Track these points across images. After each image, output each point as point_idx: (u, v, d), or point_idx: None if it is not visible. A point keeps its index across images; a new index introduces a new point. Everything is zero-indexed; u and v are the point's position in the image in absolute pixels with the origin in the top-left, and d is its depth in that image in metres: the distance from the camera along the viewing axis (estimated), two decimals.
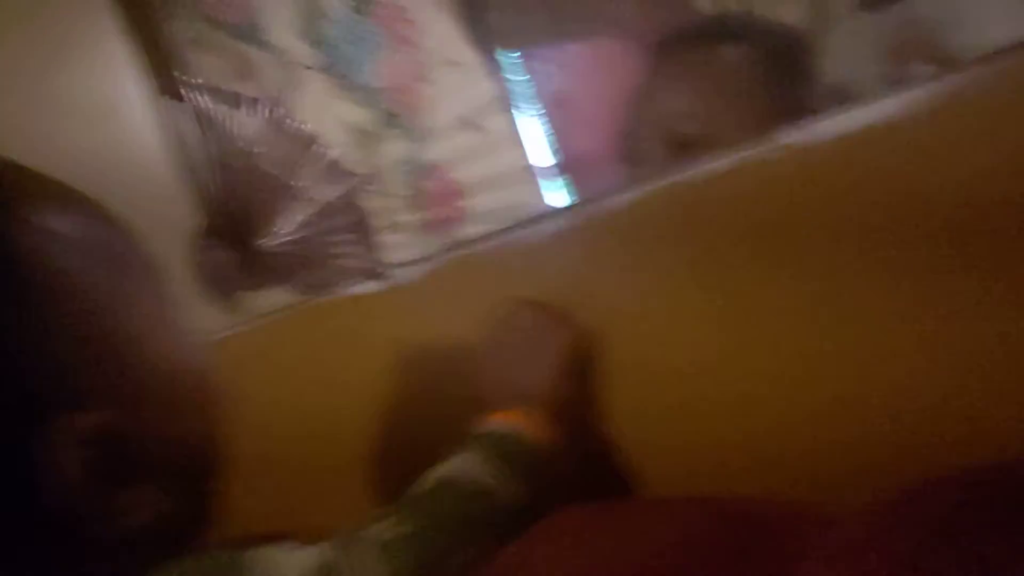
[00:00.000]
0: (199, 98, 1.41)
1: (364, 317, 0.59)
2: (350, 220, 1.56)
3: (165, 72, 1.39)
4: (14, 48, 1.23)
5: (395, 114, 1.52)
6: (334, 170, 1.52)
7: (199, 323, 0.65)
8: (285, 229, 1.48)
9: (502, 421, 0.48)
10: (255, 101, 1.48)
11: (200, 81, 1.42)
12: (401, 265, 0.56)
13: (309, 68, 1.50)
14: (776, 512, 0.40)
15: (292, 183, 1.51)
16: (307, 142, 1.51)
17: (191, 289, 1.37)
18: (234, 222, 1.43)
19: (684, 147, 0.75)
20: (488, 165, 1.49)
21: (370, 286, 0.57)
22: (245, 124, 1.46)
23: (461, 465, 0.45)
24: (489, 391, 0.52)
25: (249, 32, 1.47)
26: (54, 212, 0.38)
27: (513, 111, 1.45)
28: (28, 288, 0.34)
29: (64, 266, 0.36)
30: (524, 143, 1.46)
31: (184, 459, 0.41)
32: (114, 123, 1.34)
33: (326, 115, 1.50)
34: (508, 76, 1.45)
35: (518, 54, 1.45)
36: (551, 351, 0.50)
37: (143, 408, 0.37)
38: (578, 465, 0.50)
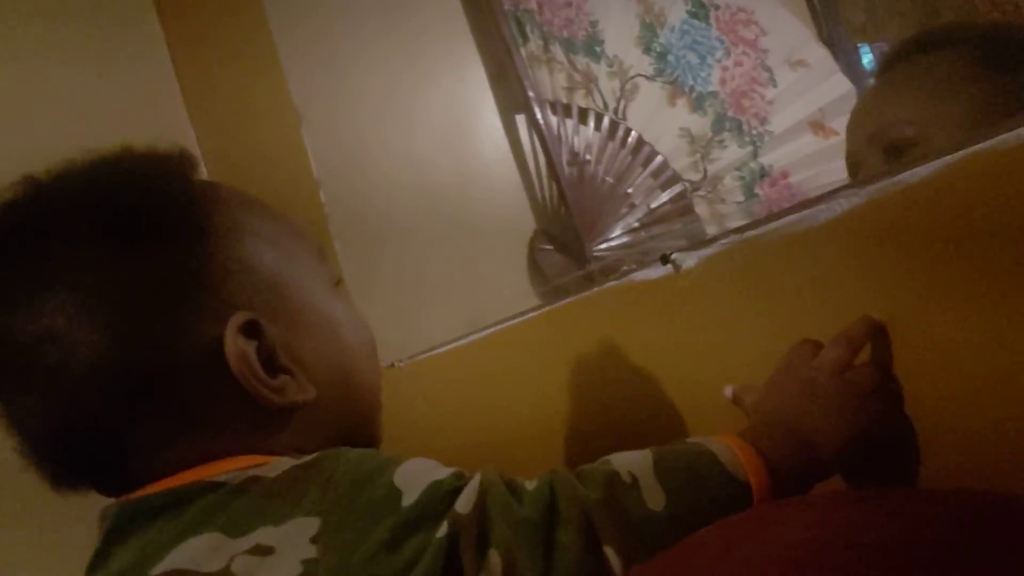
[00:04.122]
0: (539, 111, 1.40)
1: (644, 304, 0.59)
2: (681, 225, 1.56)
3: (511, 89, 1.38)
4: (391, 73, 1.21)
5: (731, 118, 1.54)
6: (666, 176, 1.52)
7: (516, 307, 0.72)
8: (616, 233, 1.47)
9: (717, 440, 0.44)
10: (591, 112, 1.47)
11: (542, 95, 1.41)
12: (684, 250, 0.55)
13: (644, 77, 1.51)
14: None
15: (624, 189, 1.50)
16: (639, 149, 1.51)
17: (524, 283, 1.37)
18: (568, 226, 1.41)
19: (902, 153, 0.73)
20: (836, 169, 1.53)
21: (654, 271, 0.57)
22: (581, 134, 1.45)
23: (632, 456, 0.43)
24: (764, 412, 0.47)
25: (588, 46, 1.46)
26: (244, 211, 0.51)
27: None
28: (224, 256, 0.47)
29: (240, 241, 0.49)
30: None
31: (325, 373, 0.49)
32: (466, 135, 1.32)
33: (659, 122, 1.51)
34: (861, 72, 1.50)
35: (873, 48, 1.50)
36: (851, 417, 0.44)
37: (283, 322, 0.47)
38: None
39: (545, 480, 0.41)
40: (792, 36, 1.50)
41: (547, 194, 1.42)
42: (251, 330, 0.46)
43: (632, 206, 1.51)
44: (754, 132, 1.53)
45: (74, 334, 0.43)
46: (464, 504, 0.39)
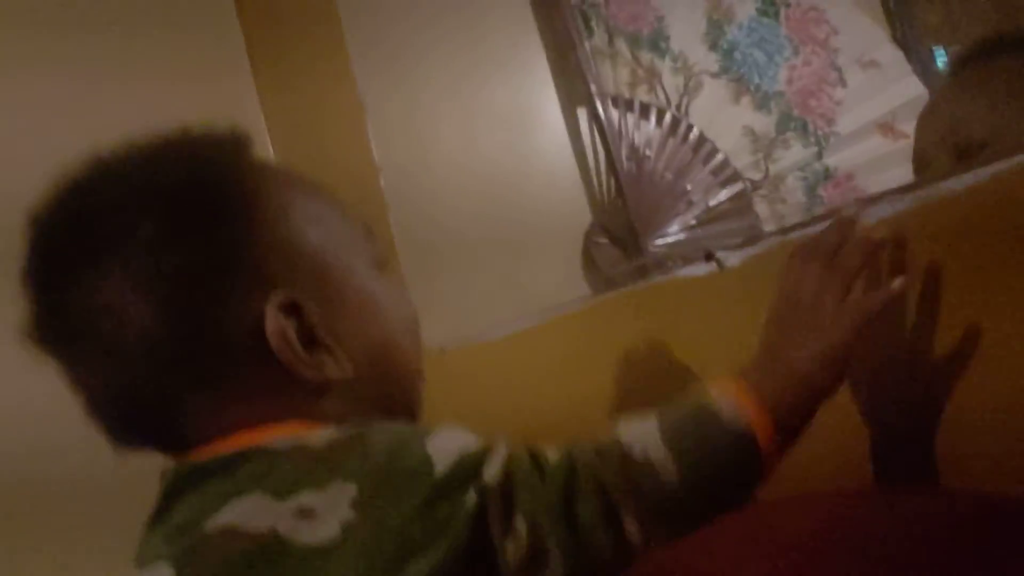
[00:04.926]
0: (602, 105, 1.40)
1: (689, 300, 0.59)
2: (740, 224, 1.55)
3: (574, 82, 1.38)
4: (455, 63, 1.23)
5: (796, 118, 1.52)
6: (726, 174, 1.51)
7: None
8: (673, 229, 1.47)
9: (720, 390, 0.46)
10: (653, 107, 1.46)
11: (604, 89, 1.41)
12: (728, 248, 0.55)
13: (709, 74, 1.49)
14: None
15: (683, 186, 1.49)
16: (701, 146, 1.49)
17: (578, 276, 1.38)
18: (624, 220, 1.41)
19: (971, 153, 0.74)
20: (904, 173, 1.49)
21: (699, 269, 0.56)
22: (642, 129, 1.45)
23: (638, 429, 0.45)
24: (762, 347, 0.49)
25: (653, 41, 1.45)
26: (290, 190, 0.53)
27: None
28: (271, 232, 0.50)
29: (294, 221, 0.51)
30: None
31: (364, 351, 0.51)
32: (526, 127, 1.33)
33: (723, 120, 1.49)
34: (935, 75, 1.46)
35: (949, 50, 1.46)
36: (827, 332, 0.46)
37: (324, 301, 0.49)
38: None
39: (565, 454, 0.44)
40: (864, 36, 1.47)
41: (605, 188, 1.43)
42: (291, 308, 0.48)
43: (690, 203, 1.50)
44: (820, 132, 1.51)
45: (126, 309, 0.47)
46: (491, 475, 0.42)
